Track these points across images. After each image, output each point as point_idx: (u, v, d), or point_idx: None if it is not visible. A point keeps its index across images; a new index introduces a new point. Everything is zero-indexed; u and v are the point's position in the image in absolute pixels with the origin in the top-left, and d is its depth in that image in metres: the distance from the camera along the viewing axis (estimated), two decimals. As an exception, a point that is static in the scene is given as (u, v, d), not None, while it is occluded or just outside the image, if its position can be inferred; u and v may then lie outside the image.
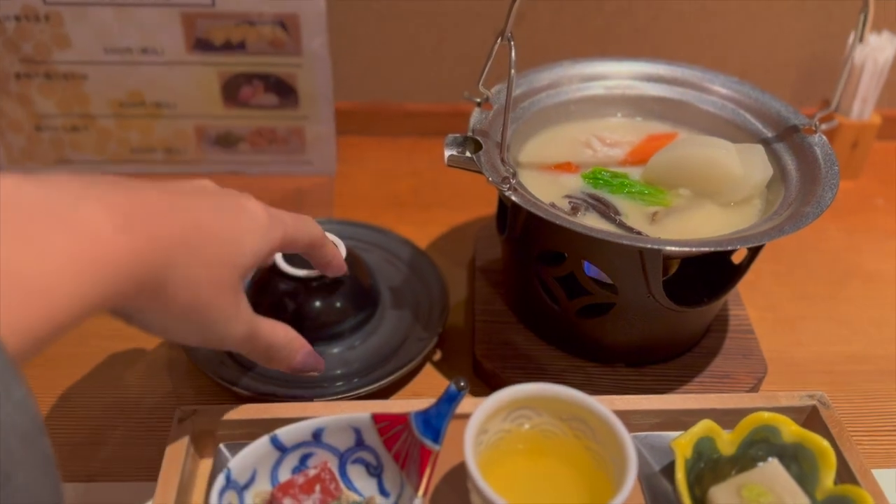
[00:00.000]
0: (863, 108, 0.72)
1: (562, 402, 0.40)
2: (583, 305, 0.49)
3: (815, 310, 0.61)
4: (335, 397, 0.48)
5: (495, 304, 0.56)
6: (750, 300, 0.60)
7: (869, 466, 0.45)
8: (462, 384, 0.39)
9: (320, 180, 0.71)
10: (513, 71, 0.44)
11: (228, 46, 0.64)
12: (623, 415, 0.44)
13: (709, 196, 0.49)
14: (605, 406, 0.39)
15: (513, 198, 0.44)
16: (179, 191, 0.35)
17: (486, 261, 0.60)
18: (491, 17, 0.73)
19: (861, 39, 0.47)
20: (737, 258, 0.52)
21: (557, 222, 0.42)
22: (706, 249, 0.42)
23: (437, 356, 0.55)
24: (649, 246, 0.41)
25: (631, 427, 0.45)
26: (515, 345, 0.53)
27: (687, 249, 0.41)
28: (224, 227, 0.35)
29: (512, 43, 0.44)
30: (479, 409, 0.38)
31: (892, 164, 0.78)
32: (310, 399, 0.47)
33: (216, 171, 0.71)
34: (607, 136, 0.55)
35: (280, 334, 0.40)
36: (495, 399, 0.38)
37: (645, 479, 0.44)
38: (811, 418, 0.47)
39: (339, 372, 0.51)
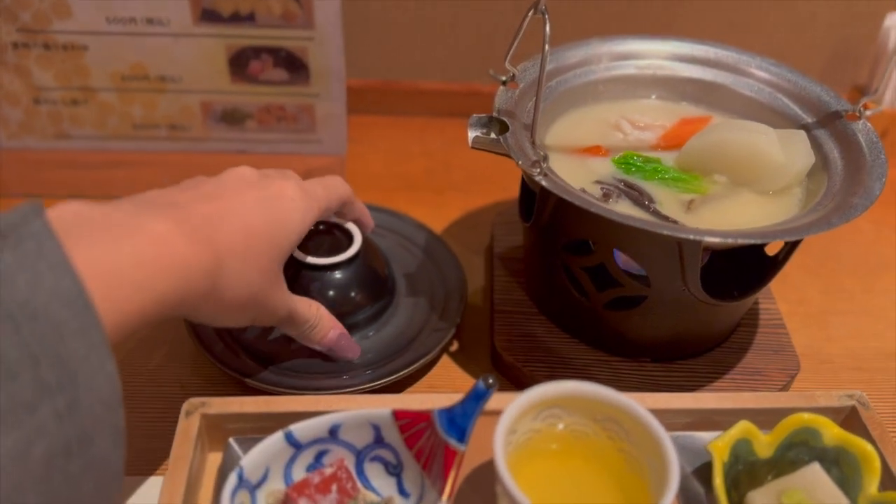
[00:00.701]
0: (894, 95, 0.69)
1: (594, 402, 0.37)
2: (612, 298, 0.46)
3: (846, 304, 0.59)
4: (349, 389, 0.46)
5: (515, 294, 0.54)
6: (779, 293, 0.58)
7: None
8: (490, 382, 0.36)
9: (330, 160, 0.68)
10: (546, 47, 0.41)
11: (237, 18, 0.61)
12: (653, 414, 0.42)
13: (747, 184, 0.47)
14: (640, 405, 0.37)
15: (543, 183, 0.41)
16: (224, 189, 0.38)
17: (505, 248, 0.58)
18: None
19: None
20: (771, 250, 0.50)
21: (592, 210, 0.39)
22: (751, 241, 0.39)
23: (454, 347, 0.53)
24: (689, 237, 0.39)
25: (664, 425, 0.43)
26: (536, 336, 0.51)
27: (730, 241, 0.39)
28: (269, 221, 0.38)
29: (546, 16, 0.41)
30: (510, 409, 0.35)
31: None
32: (323, 391, 0.45)
33: (223, 150, 0.68)
34: (638, 119, 0.52)
35: (313, 311, 0.44)
36: (526, 398, 0.36)
37: (686, 483, 0.42)
38: (850, 419, 0.44)
39: (354, 363, 0.49)
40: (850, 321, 0.57)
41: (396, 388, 0.48)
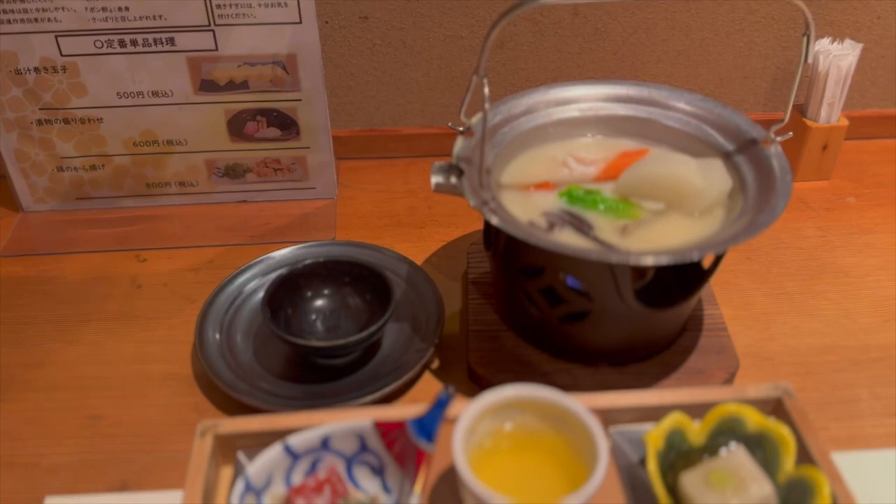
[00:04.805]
0: (830, 112, 0.76)
1: (541, 402, 0.44)
2: (563, 313, 0.53)
3: (788, 305, 0.65)
4: (344, 406, 0.53)
5: (487, 315, 0.61)
6: (726, 299, 0.65)
7: (835, 450, 0.49)
8: (450, 391, 0.43)
9: (323, 204, 0.76)
10: (487, 105, 0.48)
11: (232, 86, 0.69)
12: (604, 411, 0.49)
13: (675, 208, 0.54)
14: (581, 403, 0.44)
15: (492, 220, 0.48)
16: None
17: (478, 274, 0.65)
18: (475, 49, 0.77)
19: (806, 60, 0.51)
20: (707, 262, 0.57)
21: (531, 241, 0.47)
22: (662, 261, 0.46)
23: (435, 364, 0.60)
24: (614, 259, 0.46)
25: (612, 422, 0.50)
26: (506, 351, 0.58)
27: (646, 261, 0.46)
28: None
29: (486, 80, 0.48)
30: (466, 412, 0.42)
31: (861, 163, 0.82)
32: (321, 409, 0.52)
33: (227, 201, 0.76)
34: (583, 155, 0.59)
35: None
36: (480, 403, 0.43)
37: (625, 469, 0.48)
38: (778, 408, 0.51)
39: (346, 383, 0.56)
40: (790, 321, 0.64)
41: (384, 402, 0.55)
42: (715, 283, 0.66)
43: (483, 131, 0.49)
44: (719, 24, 0.78)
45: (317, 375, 0.57)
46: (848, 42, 0.74)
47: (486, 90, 0.48)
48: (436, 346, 0.59)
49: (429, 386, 0.58)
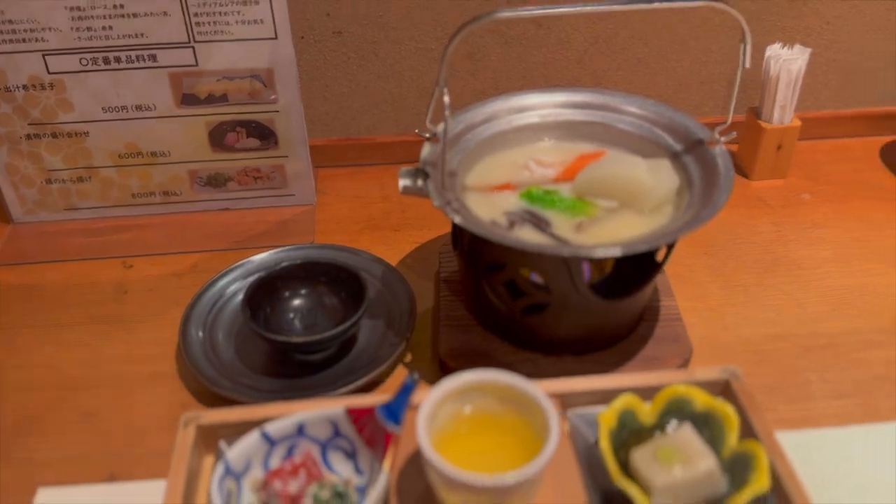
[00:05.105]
0: (783, 113, 0.80)
1: (499, 386, 0.47)
2: (524, 305, 0.57)
3: (743, 297, 0.69)
4: (322, 398, 0.56)
5: (457, 310, 0.64)
6: (683, 292, 0.68)
7: (786, 429, 0.53)
8: (415, 377, 0.46)
9: (302, 210, 0.80)
10: (447, 113, 0.52)
11: (212, 99, 0.73)
12: (563, 395, 0.52)
13: (627, 205, 0.58)
14: (534, 385, 0.47)
15: (455, 219, 0.52)
16: None
17: (449, 272, 0.68)
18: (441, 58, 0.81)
19: (744, 65, 0.55)
20: (660, 256, 0.60)
21: (492, 238, 0.50)
22: (609, 254, 0.49)
23: (408, 358, 0.63)
24: (566, 253, 0.49)
25: (570, 405, 0.53)
26: (475, 344, 0.61)
27: (595, 254, 0.49)
28: None
29: (446, 89, 0.52)
30: (429, 397, 0.45)
31: (816, 162, 0.86)
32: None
33: (209, 209, 0.79)
34: (543, 158, 0.63)
35: None
36: (442, 387, 0.46)
37: (583, 449, 0.52)
38: (726, 389, 0.54)
39: (323, 377, 0.60)
40: (744, 312, 0.67)
41: (360, 394, 0.58)
42: (673, 277, 0.69)
43: (444, 137, 0.53)
44: (676, 32, 0.82)
45: (296, 370, 0.60)
46: (798, 47, 0.79)
47: (447, 99, 0.52)
48: (408, 340, 0.62)
49: (402, 378, 0.61)
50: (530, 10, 0.49)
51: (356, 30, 0.79)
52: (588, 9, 0.49)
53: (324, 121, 0.85)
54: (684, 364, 0.60)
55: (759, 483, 0.45)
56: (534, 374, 0.57)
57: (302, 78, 0.78)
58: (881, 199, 0.81)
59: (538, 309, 0.57)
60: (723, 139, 0.58)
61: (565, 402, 0.53)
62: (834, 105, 0.89)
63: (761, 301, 0.69)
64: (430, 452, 0.42)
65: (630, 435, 0.50)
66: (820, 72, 0.86)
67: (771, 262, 0.73)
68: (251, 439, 0.48)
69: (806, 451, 0.55)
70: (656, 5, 0.50)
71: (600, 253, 0.49)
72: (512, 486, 0.42)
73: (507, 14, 0.48)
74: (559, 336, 0.59)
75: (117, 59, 0.70)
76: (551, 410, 0.45)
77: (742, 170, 0.85)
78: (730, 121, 0.58)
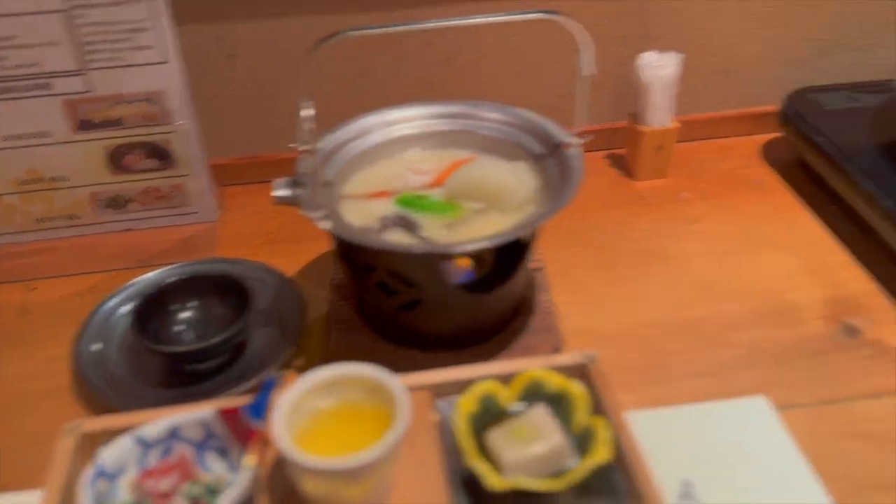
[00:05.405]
0: (662, 116, 0.85)
1: (360, 378, 0.50)
2: (398, 304, 0.60)
3: (620, 289, 0.73)
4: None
5: (346, 314, 0.67)
6: (563, 287, 0.72)
7: (648, 407, 0.58)
8: (276, 375, 0.49)
9: (204, 227, 0.82)
10: (312, 125, 0.56)
11: (108, 123, 0.75)
12: (433, 387, 0.56)
13: (493, 206, 0.62)
14: (394, 378, 0.50)
15: (322, 225, 0.55)
16: None
17: (340, 279, 0.71)
18: (338, 77, 0.85)
19: (584, 73, 0.60)
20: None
21: (354, 240, 0.53)
22: (461, 250, 0.53)
23: (301, 361, 0.66)
24: (422, 250, 0.53)
25: (441, 395, 0.56)
26: (361, 345, 0.65)
27: (453, 250, 0.53)
28: None
29: (311, 103, 0.56)
30: (286, 393, 0.48)
31: (696, 162, 0.91)
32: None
33: (113, 230, 0.82)
34: (420, 166, 0.67)
35: None
36: (302, 383, 0.49)
37: (447, 435, 0.55)
38: (585, 372, 0.58)
39: (213, 384, 0.62)
40: (620, 302, 0.72)
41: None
42: (556, 274, 0.73)
43: (312, 149, 0.56)
44: (554, 46, 0.87)
45: (188, 380, 0.63)
46: (670, 54, 0.84)
47: (310, 112, 0.55)
48: (297, 344, 0.65)
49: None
50: (376, 28, 0.53)
51: (249, 52, 0.82)
52: (430, 25, 0.53)
53: (225, 140, 0.88)
54: (555, 352, 0.64)
55: (600, 454, 0.49)
56: (413, 369, 0.61)
57: (200, 99, 0.81)
58: (758, 193, 0.86)
59: (411, 306, 0.60)
60: (578, 141, 0.63)
61: (437, 392, 0.56)
62: (715, 107, 0.95)
63: (637, 292, 0.73)
64: (282, 442, 0.45)
65: (492, 418, 0.54)
66: (698, 75, 0.92)
67: (648, 256, 0.78)
68: (125, 443, 0.50)
69: (664, 426, 0.59)
70: (492, 20, 0.54)
71: (447, 250, 0.53)
72: (358, 468, 0.44)
73: (355, 32, 0.52)
74: (436, 332, 0.62)
75: (11, 89, 0.73)
76: (402, 397, 0.48)
77: (627, 172, 0.90)
78: (581, 125, 0.62)
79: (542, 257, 0.74)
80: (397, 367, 0.62)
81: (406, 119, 0.67)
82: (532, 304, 0.67)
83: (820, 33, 0.91)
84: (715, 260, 0.77)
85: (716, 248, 0.78)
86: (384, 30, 0.53)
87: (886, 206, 0.71)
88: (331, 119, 0.64)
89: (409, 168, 0.66)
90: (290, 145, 0.62)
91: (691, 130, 0.92)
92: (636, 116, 0.87)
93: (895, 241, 0.70)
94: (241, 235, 0.82)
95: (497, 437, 0.51)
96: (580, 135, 0.63)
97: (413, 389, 0.55)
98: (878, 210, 0.72)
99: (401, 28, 0.53)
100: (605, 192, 0.88)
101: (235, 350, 0.65)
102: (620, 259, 0.77)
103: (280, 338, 0.66)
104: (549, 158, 0.64)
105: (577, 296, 0.72)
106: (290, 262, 0.77)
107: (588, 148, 0.94)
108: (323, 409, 0.51)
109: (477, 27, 0.76)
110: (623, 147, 0.91)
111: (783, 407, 0.60)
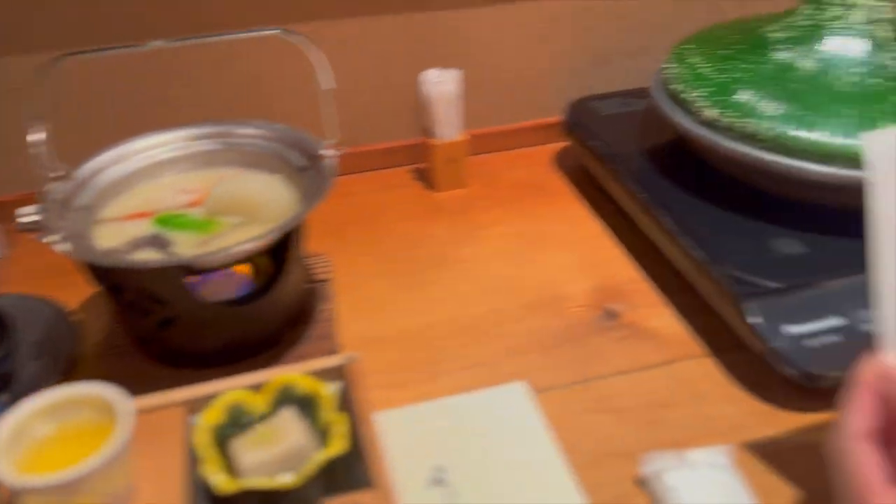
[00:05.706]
0: (450, 130, 0.89)
1: (91, 397, 0.50)
2: (155, 322, 0.60)
3: (409, 294, 0.76)
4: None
5: (119, 338, 0.67)
6: (351, 296, 0.74)
7: (418, 402, 0.61)
8: (2, 400, 0.48)
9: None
10: (39, 151, 0.55)
11: None
12: (188, 402, 0.56)
13: (251, 220, 0.63)
14: (117, 392, 0.50)
15: (59, 248, 0.55)
16: None
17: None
18: (98, 104, 0.85)
19: (324, 87, 0.62)
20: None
21: (96, 261, 0.54)
22: (199, 262, 0.54)
23: (71, 393, 0.65)
24: (152, 265, 0.54)
25: (196, 410, 0.56)
26: (133, 368, 0.64)
27: (192, 261, 0.54)
28: None
29: (42, 126, 0.56)
30: (7, 417, 0.47)
31: (493, 172, 0.96)
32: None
33: None
34: (182, 186, 0.67)
35: None
36: (22, 408, 0.48)
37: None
38: (343, 373, 0.60)
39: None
40: (407, 307, 0.74)
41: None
42: (346, 285, 0.75)
43: (62, 175, 0.56)
44: (358, 66, 0.90)
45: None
46: (451, 71, 0.88)
47: (41, 136, 0.55)
48: (68, 374, 0.63)
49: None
50: (100, 51, 0.54)
51: None
52: (158, 44, 0.55)
53: (13, 176, 0.86)
54: (328, 358, 0.65)
55: (333, 448, 0.50)
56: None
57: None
58: (546, 198, 0.91)
59: (166, 324, 0.60)
60: (332, 154, 0.65)
61: (192, 408, 0.56)
62: (507, 119, 1.00)
63: (425, 296, 0.76)
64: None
65: (246, 427, 0.54)
66: (488, 90, 0.97)
67: (440, 261, 0.81)
68: None
69: (426, 418, 0.61)
70: (224, 38, 0.56)
71: (181, 262, 0.54)
72: (75, 481, 0.44)
73: (78, 55, 0.53)
74: (205, 348, 0.62)
75: None
76: (123, 410, 0.48)
77: (429, 184, 0.93)
78: (333, 137, 0.65)
79: (331, 270, 0.76)
80: (168, 387, 0.62)
81: (168, 142, 0.68)
82: (311, 313, 0.69)
83: (600, 42, 0.98)
84: (501, 261, 0.81)
85: (503, 251, 0.82)
86: (109, 52, 0.54)
87: (643, 200, 0.77)
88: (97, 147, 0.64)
89: (174, 188, 0.67)
90: (43, 171, 0.62)
91: (487, 142, 0.97)
92: (427, 131, 0.91)
93: (653, 233, 0.76)
94: (31, 271, 0.80)
95: (238, 444, 0.52)
96: (331, 148, 0.65)
97: (165, 407, 0.55)
98: (638, 204, 0.78)
99: (125, 50, 0.54)
100: (405, 205, 0.91)
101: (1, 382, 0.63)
102: (411, 266, 0.80)
103: (52, 369, 0.65)
104: (310, 170, 0.66)
105: (364, 303, 0.74)
106: (77, 293, 0.75)
107: (394, 163, 0.99)
108: (45, 434, 0.50)
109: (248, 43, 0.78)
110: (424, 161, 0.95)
111: (541, 390, 0.63)
